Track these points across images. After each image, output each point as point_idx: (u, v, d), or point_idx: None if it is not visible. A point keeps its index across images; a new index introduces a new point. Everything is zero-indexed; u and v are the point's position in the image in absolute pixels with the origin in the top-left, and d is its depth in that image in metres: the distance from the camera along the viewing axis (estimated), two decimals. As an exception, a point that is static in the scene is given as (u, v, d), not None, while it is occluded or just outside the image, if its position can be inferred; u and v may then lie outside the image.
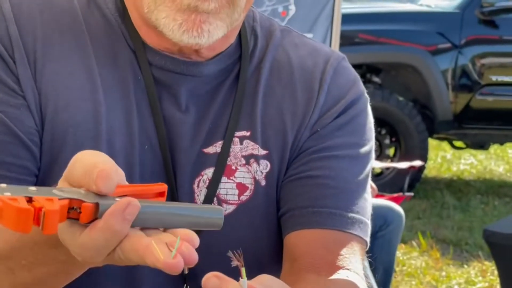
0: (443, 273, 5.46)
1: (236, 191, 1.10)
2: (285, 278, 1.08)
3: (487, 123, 7.59)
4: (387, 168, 7.07)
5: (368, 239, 1.16)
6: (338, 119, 1.15)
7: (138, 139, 1.10)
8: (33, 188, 0.75)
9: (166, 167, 1.09)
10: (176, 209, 0.78)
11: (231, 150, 1.12)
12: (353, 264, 1.10)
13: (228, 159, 1.11)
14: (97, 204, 0.75)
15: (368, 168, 1.17)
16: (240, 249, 0.76)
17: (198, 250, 1.06)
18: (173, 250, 0.73)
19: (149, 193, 0.80)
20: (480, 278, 5.39)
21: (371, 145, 1.17)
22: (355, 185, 1.14)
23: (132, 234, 0.75)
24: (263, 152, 1.13)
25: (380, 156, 7.22)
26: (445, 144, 10.17)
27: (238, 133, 1.13)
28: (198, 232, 1.06)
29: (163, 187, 0.80)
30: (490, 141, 8.08)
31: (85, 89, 1.09)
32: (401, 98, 7.42)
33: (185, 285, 1.08)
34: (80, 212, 0.75)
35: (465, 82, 7.52)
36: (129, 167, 1.08)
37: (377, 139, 7.50)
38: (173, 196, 1.08)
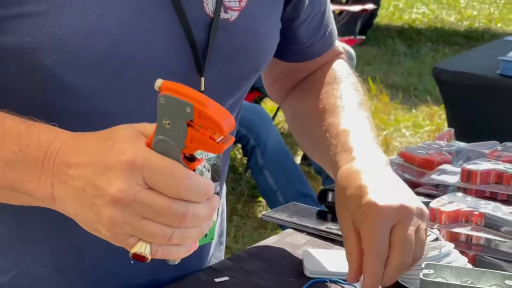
0: (392, 117, 5.55)
1: None
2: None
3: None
4: (340, 14, 7.03)
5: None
6: None
7: None
8: None
9: None
10: None
11: None
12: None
13: None
14: None
15: None
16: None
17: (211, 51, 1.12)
18: None
19: None
20: (427, 121, 5.49)
21: None
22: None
23: None
24: None
25: (333, 1, 7.16)
26: (398, -7, 10.12)
27: None
28: (208, 39, 1.10)
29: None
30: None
31: None
32: None
33: (202, 78, 1.12)
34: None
35: None
36: None
37: (330, -16, 7.41)
38: (177, 3, 1.08)
